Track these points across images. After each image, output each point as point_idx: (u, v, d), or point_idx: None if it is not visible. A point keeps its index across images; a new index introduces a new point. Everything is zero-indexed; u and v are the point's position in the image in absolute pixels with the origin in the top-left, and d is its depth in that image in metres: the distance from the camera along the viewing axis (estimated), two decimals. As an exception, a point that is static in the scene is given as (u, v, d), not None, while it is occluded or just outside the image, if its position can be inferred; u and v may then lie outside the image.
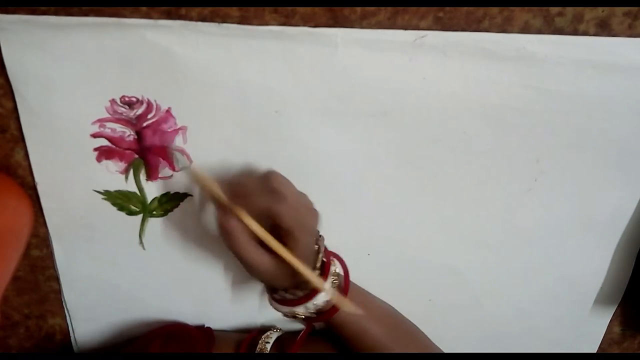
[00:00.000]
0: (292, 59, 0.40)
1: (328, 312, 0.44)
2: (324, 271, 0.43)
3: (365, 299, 0.48)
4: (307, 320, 0.45)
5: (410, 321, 0.50)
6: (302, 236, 0.39)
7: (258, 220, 0.38)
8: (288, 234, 0.38)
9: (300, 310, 0.44)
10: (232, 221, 0.38)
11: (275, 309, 0.46)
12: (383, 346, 0.45)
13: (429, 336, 0.50)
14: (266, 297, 0.52)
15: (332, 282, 0.43)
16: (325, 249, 0.44)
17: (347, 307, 0.41)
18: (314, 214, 0.41)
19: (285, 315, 0.46)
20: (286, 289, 0.43)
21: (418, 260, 0.51)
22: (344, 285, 0.45)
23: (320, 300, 0.43)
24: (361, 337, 0.45)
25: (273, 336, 0.49)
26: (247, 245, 0.39)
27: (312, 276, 0.40)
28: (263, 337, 0.48)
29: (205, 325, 0.52)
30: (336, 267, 0.44)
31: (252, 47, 0.39)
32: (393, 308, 0.50)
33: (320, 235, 0.44)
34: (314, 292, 0.42)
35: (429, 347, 0.49)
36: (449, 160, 0.45)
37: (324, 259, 0.44)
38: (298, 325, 0.53)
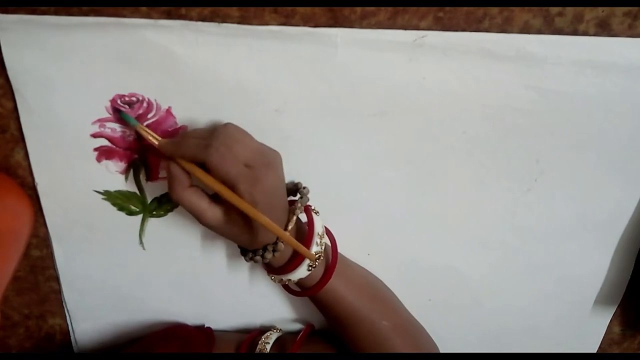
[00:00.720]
0: (292, 59, 0.40)
1: (315, 286, 0.43)
2: (304, 236, 0.41)
3: (344, 266, 0.46)
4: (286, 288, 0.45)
5: (390, 291, 0.50)
6: (242, 185, 0.35)
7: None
8: (225, 184, 0.36)
9: (288, 277, 0.42)
10: (170, 165, 0.38)
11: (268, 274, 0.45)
12: (360, 314, 0.45)
13: (428, 336, 0.51)
14: (266, 297, 0.52)
15: (317, 249, 0.41)
16: (308, 208, 0.43)
17: (303, 251, 0.40)
18: (265, 168, 0.37)
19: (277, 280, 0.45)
20: (254, 250, 0.41)
21: (418, 260, 0.51)
22: (332, 257, 0.43)
23: (301, 273, 0.41)
24: (337, 303, 0.44)
25: (273, 336, 0.48)
26: (187, 193, 0.38)
27: (261, 217, 0.36)
28: (263, 337, 0.48)
29: (205, 326, 0.52)
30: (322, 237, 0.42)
31: (252, 47, 0.39)
32: (374, 276, 0.49)
33: (301, 196, 0.42)
34: (294, 260, 0.41)
35: (406, 318, 0.49)
36: (449, 160, 0.45)
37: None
38: (298, 326, 0.53)
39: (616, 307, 0.55)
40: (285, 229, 0.40)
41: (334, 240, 0.45)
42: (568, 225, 0.49)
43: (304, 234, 0.42)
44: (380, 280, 0.50)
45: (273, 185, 0.37)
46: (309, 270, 0.42)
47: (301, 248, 0.40)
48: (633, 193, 0.48)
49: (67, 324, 0.52)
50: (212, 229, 0.40)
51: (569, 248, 0.51)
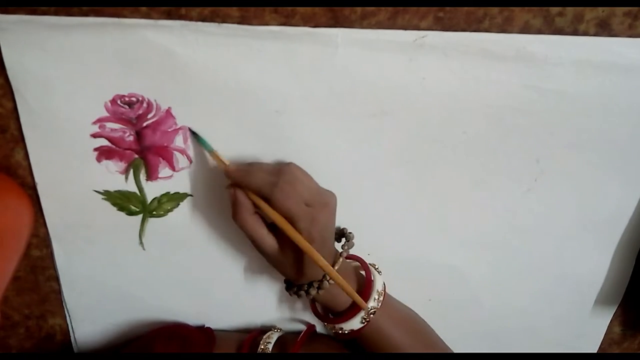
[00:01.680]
0: (292, 59, 0.40)
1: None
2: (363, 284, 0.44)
3: (387, 303, 0.47)
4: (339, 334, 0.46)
5: (427, 324, 0.50)
6: (302, 223, 0.38)
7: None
8: (287, 219, 0.39)
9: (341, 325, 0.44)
10: (237, 192, 0.40)
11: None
12: (402, 349, 0.45)
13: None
14: (266, 297, 0.52)
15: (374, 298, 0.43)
16: (365, 263, 0.46)
17: (357, 300, 0.42)
18: (323, 208, 0.40)
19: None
20: (299, 283, 0.43)
21: (418, 260, 0.51)
22: (365, 288, 0.45)
23: (354, 324, 0.44)
24: (381, 340, 0.45)
25: (274, 336, 0.48)
26: (250, 219, 0.40)
27: (314, 254, 0.39)
28: (264, 337, 0.48)
29: (206, 325, 0.52)
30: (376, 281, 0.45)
31: (252, 47, 0.39)
32: (410, 309, 0.50)
33: (347, 240, 0.46)
34: (350, 312, 0.44)
35: (442, 348, 0.49)
36: (449, 160, 0.45)
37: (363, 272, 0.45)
38: (299, 326, 0.53)
39: (616, 307, 0.55)
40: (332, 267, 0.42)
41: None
42: (568, 225, 0.50)
43: (362, 286, 0.45)
44: (417, 314, 0.50)
45: (328, 224, 0.41)
46: (362, 323, 0.44)
47: (347, 288, 0.42)
48: (633, 193, 0.48)
49: (67, 324, 0.52)
50: (265, 256, 0.42)
51: (569, 248, 0.51)
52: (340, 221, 0.47)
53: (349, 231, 0.47)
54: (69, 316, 0.51)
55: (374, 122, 0.43)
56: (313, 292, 0.43)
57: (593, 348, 0.57)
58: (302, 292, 0.43)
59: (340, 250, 0.44)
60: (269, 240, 0.41)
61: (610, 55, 0.41)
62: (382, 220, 0.48)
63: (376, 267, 0.49)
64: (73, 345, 0.53)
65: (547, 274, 0.52)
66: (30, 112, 0.40)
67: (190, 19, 0.37)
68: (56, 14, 0.37)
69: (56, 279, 0.49)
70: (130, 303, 0.51)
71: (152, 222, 0.46)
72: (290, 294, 0.45)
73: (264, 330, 0.50)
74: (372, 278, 0.45)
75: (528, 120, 0.43)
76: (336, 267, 0.42)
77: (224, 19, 0.38)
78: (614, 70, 0.41)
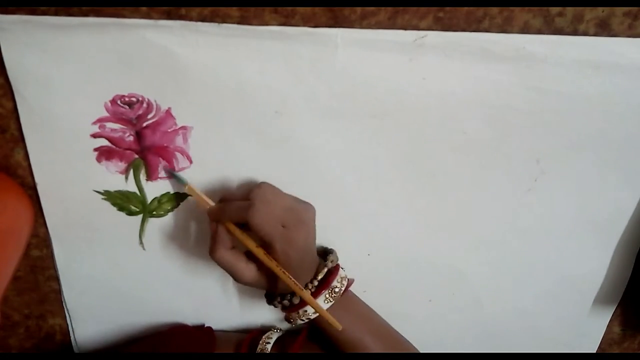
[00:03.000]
0: (292, 59, 0.39)
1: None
2: (323, 284, 0.44)
3: (364, 312, 0.48)
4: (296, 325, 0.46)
5: (407, 341, 0.50)
6: (278, 245, 0.39)
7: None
8: (264, 242, 0.40)
9: (295, 316, 0.45)
10: (218, 228, 0.41)
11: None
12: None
13: (428, 336, 0.51)
14: (264, 298, 0.52)
15: (327, 295, 0.43)
16: (338, 265, 0.46)
17: (331, 320, 0.43)
18: (298, 227, 0.40)
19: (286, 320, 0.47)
20: (282, 295, 0.45)
21: (418, 260, 0.51)
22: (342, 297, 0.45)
23: (308, 312, 0.44)
24: (357, 349, 0.46)
25: (274, 336, 0.49)
26: (227, 254, 0.41)
27: (288, 280, 0.41)
28: (264, 337, 0.48)
29: (206, 325, 0.52)
30: (339, 283, 0.45)
31: (252, 47, 0.39)
32: (392, 328, 0.50)
33: (330, 252, 0.46)
34: (303, 302, 0.44)
35: (398, 340, 0.50)
36: (449, 161, 0.45)
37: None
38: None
39: (616, 307, 0.55)
40: (312, 280, 0.43)
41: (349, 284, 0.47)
42: (568, 225, 0.50)
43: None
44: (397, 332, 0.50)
45: (305, 243, 0.41)
46: (326, 302, 0.44)
47: (314, 304, 0.43)
48: (633, 193, 0.48)
49: (67, 324, 0.52)
50: (246, 285, 0.43)
51: (569, 248, 0.51)
52: (340, 221, 0.47)
53: (330, 250, 0.47)
54: (69, 316, 0.51)
55: (374, 122, 0.43)
56: (287, 303, 0.44)
57: (593, 348, 0.57)
58: (286, 302, 0.44)
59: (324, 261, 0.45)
60: (248, 272, 0.42)
61: (610, 55, 0.41)
62: (382, 220, 0.48)
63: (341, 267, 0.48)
64: (73, 345, 0.53)
65: (547, 273, 0.52)
66: (30, 112, 0.40)
67: (190, 19, 0.37)
68: (56, 14, 0.37)
69: (56, 279, 0.49)
70: (130, 303, 0.51)
71: (152, 222, 0.46)
72: (273, 304, 0.46)
73: (264, 330, 0.50)
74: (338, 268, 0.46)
75: (528, 120, 0.43)
76: (315, 283, 0.43)
77: (224, 19, 0.38)
78: (614, 70, 0.41)
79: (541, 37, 0.40)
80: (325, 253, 0.47)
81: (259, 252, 0.41)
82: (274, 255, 0.40)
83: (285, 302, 0.45)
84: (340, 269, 0.46)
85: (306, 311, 0.44)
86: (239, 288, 0.51)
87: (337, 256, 0.47)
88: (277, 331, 0.50)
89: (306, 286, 0.43)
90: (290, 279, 0.41)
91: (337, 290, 0.44)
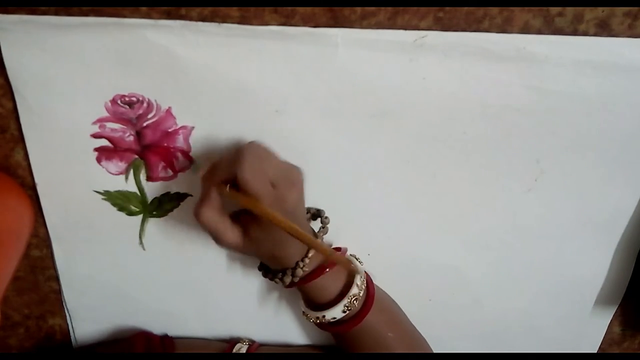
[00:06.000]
0: (292, 59, 0.40)
1: (350, 321, 0.43)
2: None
3: (392, 315, 0.48)
4: (323, 326, 0.45)
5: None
6: (266, 203, 0.36)
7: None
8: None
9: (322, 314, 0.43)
10: (211, 190, 0.38)
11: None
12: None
13: (428, 336, 0.51)
14: (265, 298, 0.52)
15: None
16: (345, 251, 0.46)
17: (343, 264, 0.42)
18: (290, 187, 0.38)
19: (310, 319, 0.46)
20: (274, 269, 0.43)
21: (418, 260, 0.51)
22: (368, 288, 0.45)
23: (336, 313, 0.42)
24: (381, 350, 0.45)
25: (243, 349, 0.49)
26: (209, 212, 0.38)
27: (299, 233, 0.38)
28: (234, 349, 0.49)
29: (206, 325, 0.52)
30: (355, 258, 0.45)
31: (252, 47, 0.39)
32: (412, 325, 0.50)
33: (322, 224, 0.45)
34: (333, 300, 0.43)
35: (411, 330, 0.50)
36: (449, 160, 0.45)
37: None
38: (297, 331, 0.53)
39: (616, 307, 0.55)
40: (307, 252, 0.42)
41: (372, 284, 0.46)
42: (568, 225, 0.49)
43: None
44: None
45: (296, 204, 0.38)
46: (344, 312, 0.43)
47: (334, 254, 0.41)
48: (633, 193, 0.48)
49: (67, 324, 0.52)
50: (231, 249, 0.41)
51: (569, 248, 0.51)
52: (340, 221, 0.47)
53: (325, 215, 0.46)
54: (69, 316, 0.51)
55: (374, 122, 0.43)
56: (287, 279, 0.42)
57: (593, 348, 0.57)
58: (277, 280, 0.43)
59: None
60: (232, 235, 0.39)
61: (610, 55, 0.41)
62: (382, 220, 0.48)
63: (357, 257, 0.48)
64: (73, 345, 0.53)
65: (547, 274, 0.52)
66: (30, 112, 0.40)
67: (190, 19, 0.37)
68: (56, 14, 0.37)
69: (56, 279, 0.49)
70: (130, 303, 0.51)
71: (152, 222, 0.46)
72: (270, 278, 0.44)
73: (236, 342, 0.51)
74: (353, 264, 0.45)
75: (528, 120, 0.43)
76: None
77: (224, 19, 0.38)
78: (614, 70, 0.41)
79: (541, 37, 0.40)
80: (314, 217, 0.46)
81: (258, 206, 0.36)
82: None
83: (287, 278, 0.42)
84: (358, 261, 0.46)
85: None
86: (239, 288, 0.51)
87: (327, 228, 0.45)
88: (246, 343, 0.50)
89: (297, 265, 0.42)
90: (301, 232, 0.38)
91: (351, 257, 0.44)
